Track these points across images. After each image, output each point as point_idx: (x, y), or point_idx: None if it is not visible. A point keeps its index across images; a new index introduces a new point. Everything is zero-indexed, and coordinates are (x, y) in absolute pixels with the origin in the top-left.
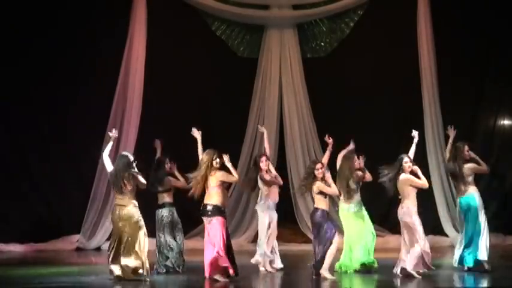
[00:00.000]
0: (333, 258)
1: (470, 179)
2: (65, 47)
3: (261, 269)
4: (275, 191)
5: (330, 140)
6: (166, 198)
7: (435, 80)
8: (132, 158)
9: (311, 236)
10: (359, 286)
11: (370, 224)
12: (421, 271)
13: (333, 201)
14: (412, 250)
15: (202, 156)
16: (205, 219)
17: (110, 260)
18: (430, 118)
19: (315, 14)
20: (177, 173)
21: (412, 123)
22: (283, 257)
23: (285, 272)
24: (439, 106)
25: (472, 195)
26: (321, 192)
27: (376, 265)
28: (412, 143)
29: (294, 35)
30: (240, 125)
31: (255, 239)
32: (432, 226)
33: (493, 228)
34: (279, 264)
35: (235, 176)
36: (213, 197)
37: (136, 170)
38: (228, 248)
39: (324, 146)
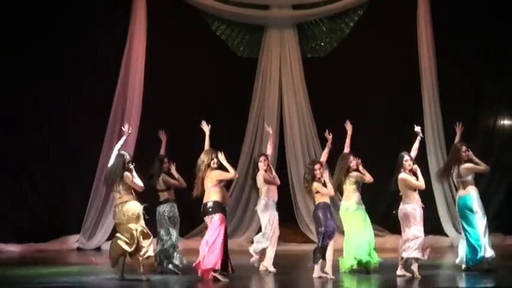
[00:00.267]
0: (332, 258)
1: (468, 178)
2: (65, 47)
3: (261, 268)
4: (274, 189)
5: (330, 136)
6: (167, 195)
7: (435, 80)
8: (128, 158)
9: (311, 236)
10: (359, 286)
11: (369, 224)
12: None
13: (333, 201)
14: (415, 239)
15: (200, 156)
16: (206, 218)
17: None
18: (430, 118)
19: (315, 14)
20: (174, 172)
21: (412, 123)
22: (284, 257)
23: (285, 272)
24: (439, 106)
25: (469, 195)
26: (318, 192)
27: (372, 265)
28: (413, 141)
29: (294, 35)
30: (240, 125)
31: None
32: (432, 226)
33: (493, 228)
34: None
35: (231, 172)
36: (212, 195)
37: (132, 171)
38: (224, 247)
39: (323, 145)
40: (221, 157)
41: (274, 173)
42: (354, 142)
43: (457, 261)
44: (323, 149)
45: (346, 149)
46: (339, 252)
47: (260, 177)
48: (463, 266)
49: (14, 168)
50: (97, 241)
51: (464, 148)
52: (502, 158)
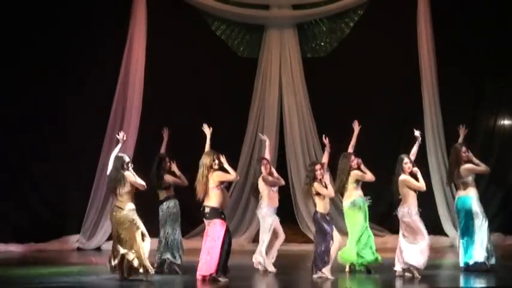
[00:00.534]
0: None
1: (468, 179)
2: (65, 47)
3: (261, 268)
4: (275, 196)
5: (326, 141)
6: (168, 193)
7: (435, 80)
8: (127, 159)
9: (311, 236)
10: (359, 286)
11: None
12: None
13: (333, 202)
14: (420, 247)
15: (202, 158)
16: (205, 221)
17: (110, 257)
18: (430, 118)
19: (315, 14)
20: (176, 170)
21: (412, 123)
22: (284, 257)
23: (285, 272)
24: (439, 106)
25: (468, 196)
26: (318, 194)
27: (376, 263)
28: (413, 142)
29: (294, 35)
30: (240, 125)
31: (255, 239)
32: (432, 226)
33: (493, 228)
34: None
35: (232, 174)
36: (212, 199)
37: (132, 171)
38: (226, 252)
39: (323, 145)
40: (223, 160)
41: (277, 175)
42: (356, 142)
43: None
44: (323, 149)
45: (350, 149)
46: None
47: (260, 179)
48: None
49: (14, 168)
50: (97, 241)
51: (464, 149)
52: (502, 158)
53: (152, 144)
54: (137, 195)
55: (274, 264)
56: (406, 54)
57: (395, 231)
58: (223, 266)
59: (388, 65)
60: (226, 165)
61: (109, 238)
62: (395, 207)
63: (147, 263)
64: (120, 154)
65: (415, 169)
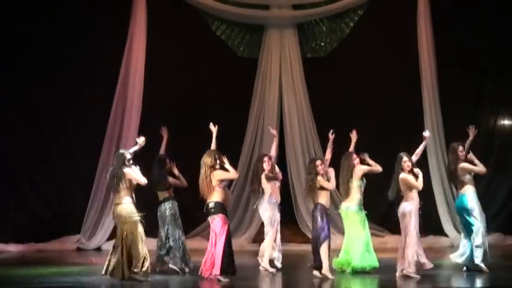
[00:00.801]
0: (329, 257)
1: (466, 178)
2: (64, 47)
3: (261, 268)
4: (276, 190)
5: (332, 136)
6: (167, 194)
7: (435, 80)
8: (128, 156)
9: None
10: (359, 286)
11: (367, 227)
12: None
13: (334, 201)
14: (406, 254)
15: (203, 157)
16: (209, 218)
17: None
18: (430, 118)
19: (315, 14)
20: (176, 171)
21: (412, 123)
22: (284, 257)
23: (285, 272)
24: (439, 106)
25: (465, 195)
26: (322, 187)
27: (368, 268)
28: (416, 142)
29: (294, 35)
30: (240, 125)
31: (255, 239)
32: (432, 226)
33: (493, 228)
34: (278, 264)
35: (232, 172)
36: (214, 195)
37: (133, 168)
38: (228, 247)
39: (323, 145)
40: (224, 160)
41: (278, 170)
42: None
43: (453, 256)
44: (323, 148)
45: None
46: (337, 252)
47: (263, 177)
48: (461, 260)
49: (14, 168)
50: (97, 241)
51: (461, 148)
52: (502, 158)
53: (152, 144)
54: (137, 197)
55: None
56: (406, 54)
57: (395, 231)
58: (226, 266)
59: (388, 65)
60: (227, 165)
61: (109, 238)
62: (395, 208)
63: (147, 263)
64: (121, 151)
65: (417, 170)
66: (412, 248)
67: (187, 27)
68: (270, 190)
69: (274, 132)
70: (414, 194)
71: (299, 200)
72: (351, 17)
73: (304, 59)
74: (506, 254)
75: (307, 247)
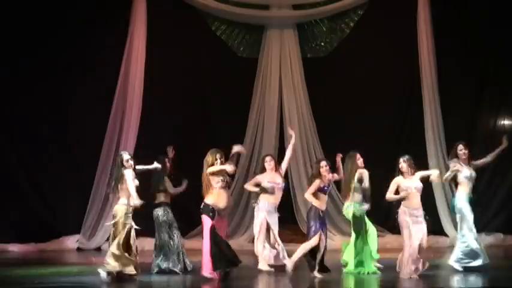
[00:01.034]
0: (303, 253)
1: (459, 178)
2: (64, 47)
3: (259, 267)
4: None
5: (339, 159)
6: (162, 197)
7: (435, 80)
8: (125, 157)
9: None
10: (359, 286)
11: (367, 227)
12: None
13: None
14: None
15: (206, 156)
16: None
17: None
18: (430, 118)
19: (315, 14)
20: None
21: (412, 123)
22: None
23: (285, 272)
24: (439, 106)
25: (456, 196)
26: (319, 189)
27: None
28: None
29: (294, 35)
30: (240, 125)
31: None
32: (432, 226)
33: (493, 228)
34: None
35: (226, 166)
36: (208, 197)
37: (132, 173)
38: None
39: (323, 145)
40: (239, 148)
41: (281, 169)
42: (353, 142)
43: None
44: (323, 148)
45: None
46: (338, 252)
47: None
48: (458, 266)
49: (14, 168)
50: (97, 241)
51: (460, 147)
52: (502, 158)
53: (152, 144)
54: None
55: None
56: (406, 54)
57: (395, 231)
58: (224, 262)
59: (388, 65)
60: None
61: (109, 238)
62: (395, 208)
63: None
64: (120, 152)
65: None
66: (407, 253)
67: (187, 27)
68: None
69: (291, 131)
70: (409, 197)
71: (299, 200)
72: (351, 17)
73: (304, 59)
74: (506, 254)
75: None
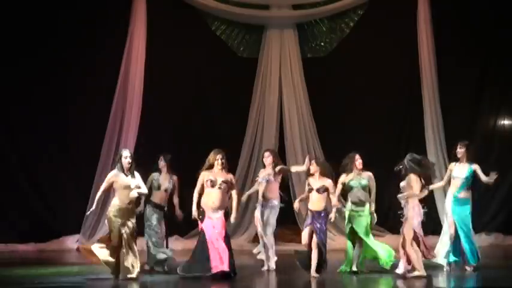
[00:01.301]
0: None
1: (451, 178)
2: (64, 47)
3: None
4: (271, 189)
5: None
6: (157, 199)
7: (435, 80)
8: (123, 153)
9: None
10: (359, 286)
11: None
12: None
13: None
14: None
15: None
16: None
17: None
18: (430, 118)
19: (315, 14)
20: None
21: (412, 124)
22: (284, 257)
23: (285, 272)
24: (439, 106)
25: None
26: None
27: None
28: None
29: (294, 35)
30: (240, 125)
31: (255, 239)
32: (432, 226)
33: (493, 228)
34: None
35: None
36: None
37: (122, 167)
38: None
39: (323, 145)
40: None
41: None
42: (353, 142)
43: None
44: (323, 148)
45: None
46: (337, 252)
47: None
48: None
49: (14, 168)
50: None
51: (457, 146)
52: (502, 158)
53: (152, 144)
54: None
55: (276, 264)
56: (406, 54)
57: (395, 231)
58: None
59: (388, 65)
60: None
61: None
62: (395, 208)
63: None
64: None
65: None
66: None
67: (187, 27)
68: (263, 189)
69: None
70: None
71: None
72: (351, 17)
73: (304, 59)
74: (506, 254)
75: None
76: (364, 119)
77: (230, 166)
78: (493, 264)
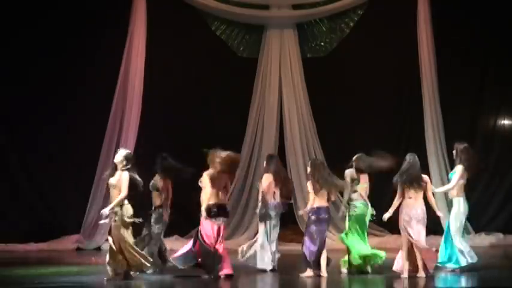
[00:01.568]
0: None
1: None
2: (64, 46)
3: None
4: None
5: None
6: (158, 201)
7: (435, 80)
8: (122, 152)
9: None
10: (359, 286)
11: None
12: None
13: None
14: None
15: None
16: None
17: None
18: (430, 117)
19: (314, 13)
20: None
21: (412, 123)
22: (284, 257)
23: (285, 272)
24: (439, 106)
25: None
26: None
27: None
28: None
29: (294, 34)
30: (240, 125)
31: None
32: (432, 226)
33: (493, 228)
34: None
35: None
36: None
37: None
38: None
39: (323, 145)
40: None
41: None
42: (353, 142)
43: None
44: (323, 148)
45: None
46: (338, 252)
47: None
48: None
49: (14, 168)
50: (97, 241)
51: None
52: (502, 158)
53: (151, 144)
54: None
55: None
56: (406, 54)
57: (395, 231)
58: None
59: (388, 65)
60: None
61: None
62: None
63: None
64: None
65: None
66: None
67: (187, 27)
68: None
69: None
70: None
71: (299, 200)
72: (350, 17)
73: (304, 59)
74: (506, 254)
75: None
76: (364, 119)
77: None
78: (493, 264)
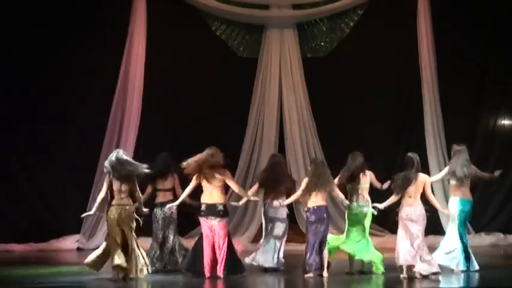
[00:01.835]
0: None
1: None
2: (64, 47)
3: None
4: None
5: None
6: (161, 198)
7: (435, 80)
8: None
9: None
10: (359, 286)
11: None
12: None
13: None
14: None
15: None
16: None
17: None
18: (430, 117)
19: (314, 13)
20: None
21: (412, 123)
22: (284, 257)
23: (285, 272)
24: (439, 106)
25: None
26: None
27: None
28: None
29: (294, 34)
30: (240, 124)
31: (254, 239)
32: (432, 226)
33: (493, 228)
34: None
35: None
36: None
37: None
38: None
39: (323, 145)
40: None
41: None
42: (354, 142)
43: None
44: (323, 148)
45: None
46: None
47: None
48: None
49: (14, 168)
50: (97, 241)
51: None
52: (502, 158)
53: (151, 144)
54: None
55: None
56: (406, 53)
57: (395, 231)
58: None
59: (388, 64)
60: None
61: None
62: (395, 208)
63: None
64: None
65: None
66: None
67: (187, 27)
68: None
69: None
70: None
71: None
72: (351, 17)
73: (304, 58)
74: (506, 254)
75: None
76: (364, 119)
77: (230, 166)
78: (493, 264)
